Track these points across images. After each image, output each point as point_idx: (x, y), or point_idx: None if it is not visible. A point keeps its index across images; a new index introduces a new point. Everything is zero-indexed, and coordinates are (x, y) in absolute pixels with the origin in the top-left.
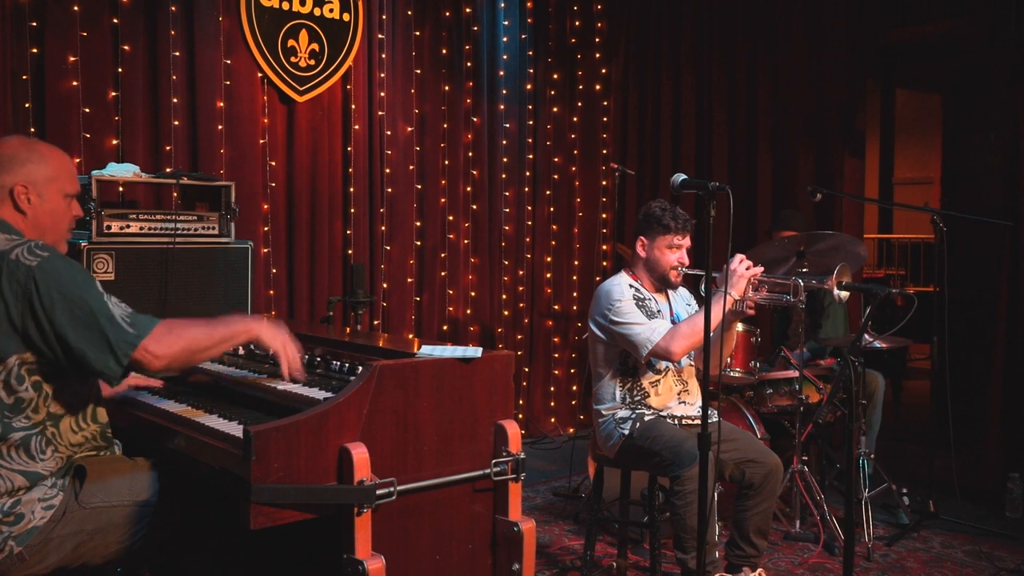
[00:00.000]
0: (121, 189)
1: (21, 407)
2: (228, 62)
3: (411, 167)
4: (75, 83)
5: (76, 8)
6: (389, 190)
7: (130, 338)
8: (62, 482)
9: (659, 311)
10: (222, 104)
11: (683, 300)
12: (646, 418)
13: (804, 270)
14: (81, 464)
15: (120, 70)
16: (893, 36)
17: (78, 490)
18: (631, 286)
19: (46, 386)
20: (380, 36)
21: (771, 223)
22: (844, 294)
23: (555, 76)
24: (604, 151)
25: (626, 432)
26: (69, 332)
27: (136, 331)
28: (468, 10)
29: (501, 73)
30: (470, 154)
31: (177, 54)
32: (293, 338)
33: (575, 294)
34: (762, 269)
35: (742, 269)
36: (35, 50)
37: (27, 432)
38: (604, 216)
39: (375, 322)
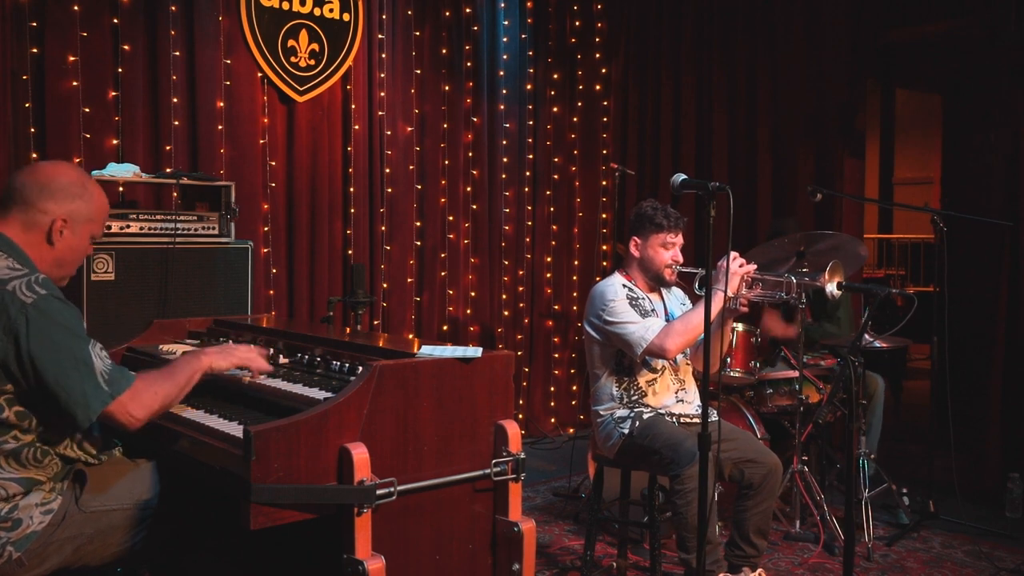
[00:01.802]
0: (121, 189)
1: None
2: (228, 62)
3: (411, 167)
4: (75, 83)
5: (76, 8)
6: (389, 190)
7: (103, 396)
8: (61, 486)
9: (653, 310)
10: (222, 104)
11: (677, 299)
12: (645, 416)
13: (804, 270)
14: (81, 469)
15: (120, 70)
16: (893, 36)
17: (78, 494)
18: (624, 286)
19: (33, 415)
20: (380, 36)
21: (764, 237)
22: (838, 292)
23: (555, 76)
24: (604, 151)
25: (625, 431)
26: (49, 375)
27: (110, 389)
28: (468, 10)
29: (501, 73)
30: (470, 154)
31: (177, 54)
32: (240, 346)
33: (575, 294)
34: (755, 267)
35: (735, 267)
36: (35, 50)
37: (17, 445)
38: (604, 216)
39: (375, 322)
